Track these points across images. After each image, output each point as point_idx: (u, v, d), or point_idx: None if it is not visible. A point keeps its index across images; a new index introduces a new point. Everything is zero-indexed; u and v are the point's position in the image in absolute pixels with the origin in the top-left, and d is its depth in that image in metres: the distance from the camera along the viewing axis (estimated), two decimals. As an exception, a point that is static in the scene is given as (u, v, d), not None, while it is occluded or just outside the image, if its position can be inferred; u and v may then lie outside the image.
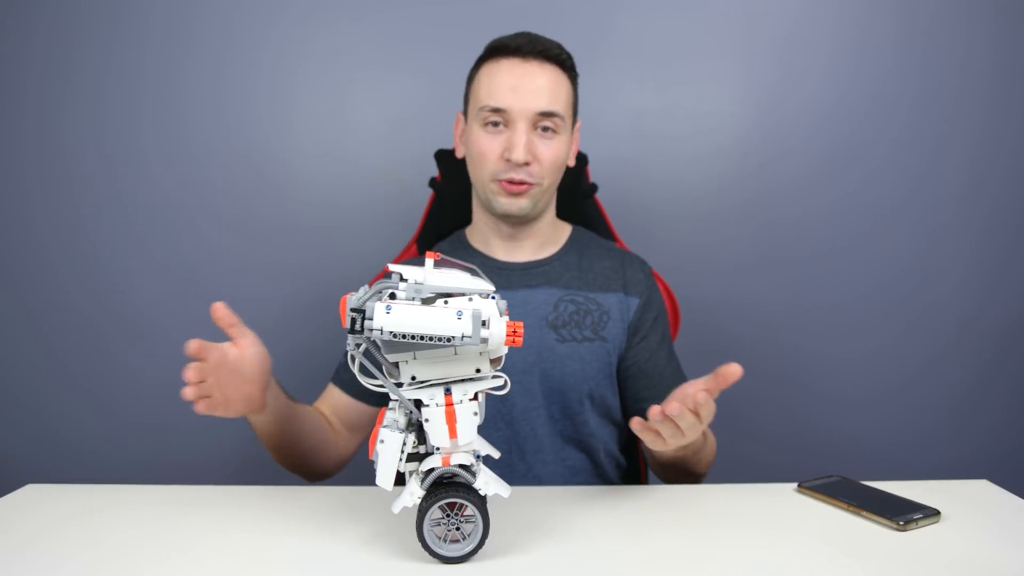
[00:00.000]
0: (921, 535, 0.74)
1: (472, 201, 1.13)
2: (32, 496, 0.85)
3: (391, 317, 0.61)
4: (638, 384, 1.07)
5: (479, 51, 1.07)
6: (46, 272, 1.55)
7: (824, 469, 1.02)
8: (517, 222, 1.05)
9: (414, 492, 0.66)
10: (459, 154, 1.10)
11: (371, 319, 0.61)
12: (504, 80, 0.99)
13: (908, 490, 0.84)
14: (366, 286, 0.65)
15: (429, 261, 0.66)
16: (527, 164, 0.99)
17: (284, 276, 1.57)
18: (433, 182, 1.26)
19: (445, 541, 0.67)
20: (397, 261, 1.22)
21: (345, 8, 1.53)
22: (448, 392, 0.66)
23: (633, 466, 1.19)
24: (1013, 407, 1.62)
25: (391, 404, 0.70)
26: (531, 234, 1.08)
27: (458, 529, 0.67)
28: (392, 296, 0.64)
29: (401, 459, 0.66)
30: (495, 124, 1.00)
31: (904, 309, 1.60)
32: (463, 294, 0.65)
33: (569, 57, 1.04)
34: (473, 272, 0.67)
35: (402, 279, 0.64)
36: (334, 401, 1.06)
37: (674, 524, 0.77)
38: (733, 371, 0.76)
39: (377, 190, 1.56)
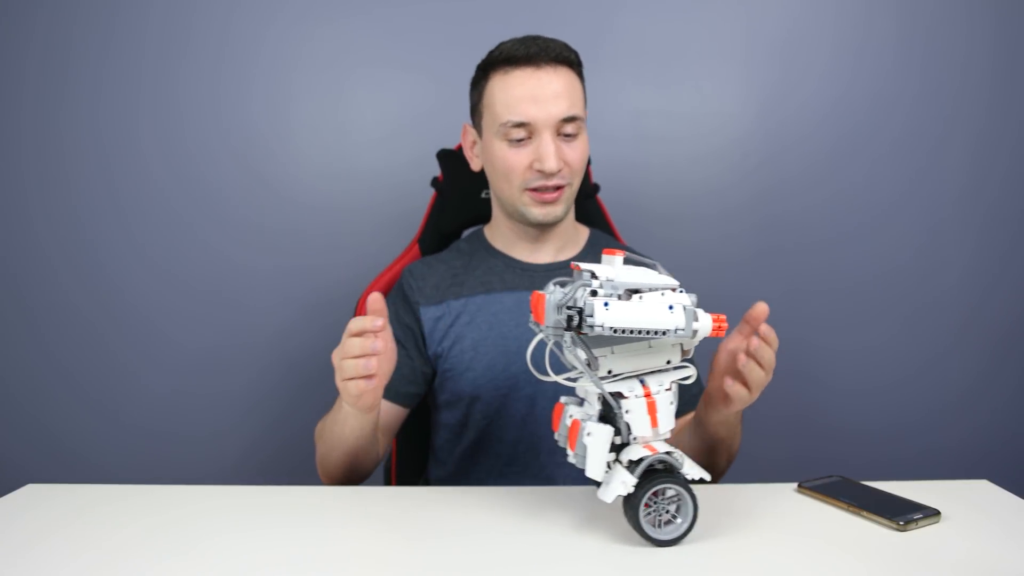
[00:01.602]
0: (921, 535, 0.74)
1: (492, 205, 1.12)
2: (32, 496, 0.85)
3: (611, 313, 0.63)
4: None
5: (479, 50, 1.06)
6: (45, 273, 1.55)
7: (824, 464, 1.02)
8: (546, 227, 1.06)
9: (627, 481, 0.67)
10: (475, 167, 1.09)
11: (592, 316, 0.63)
12: (521, 92, 0.97)
13: (908, 490, 0.84)
14: (553, 284, 0.68)
15: (616, 258, 0.68)
16: (559, 171, 0.99)
17: (284, 275, 1.57)
18: (435, 182, 1.26)
19: (655, 526, 0.69)
20: (399, 261, 1.22)
21: (344, 7, 1.53)
22: (644, 383, 0.69)
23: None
24: (1013, 405, 1.62)
25: (565, 399, 0.74)
26: (554, 236, 1.09)
27: (667, 511, 0.69)
28: (594, 293, 0.65)
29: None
30: (519, 138, 0.99)
31: (904, 307, 1.60)
32: (653, 289, 0.67)
33: (575, 53, 1.02)
34: (654, 267, 0.69)
35: (594, 276, 0.66)
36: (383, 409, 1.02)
37: (674, 524, 0.77)
38: (760, 310, 0.81)
39: (377, 190, 1.56)
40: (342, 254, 1.56)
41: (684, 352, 0.71)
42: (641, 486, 0.67)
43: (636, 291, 0.67)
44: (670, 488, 0.68)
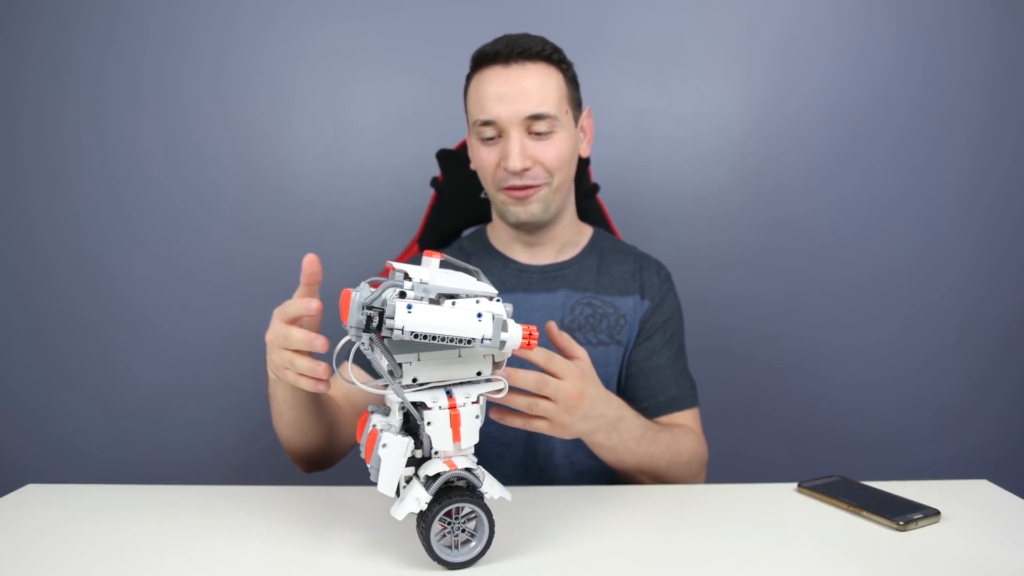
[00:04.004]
0: (921, 535, 0.74)
1: (491, 205, 1.11)
2: (32, 496, 0.85)
3: (413, 316, 0.58)
4: (636, 384, 1.06)
5: (478, 51, 1.07)
6: (46, 272, 1.55)
7: (824, 464, 1.01)
8: (534, 228, 1.04)
9: (420, 497, 0.63)
10: (473, 167, 1.08)
11: (392, 318, 0.58)
12: (489, 90, 0.96)
13: (908, 490, 0.84)
14: (365, 283, 0.62)
15: (433, 261, 0.63)
16: (526, 169, 0.97)
17: (284, 273, 1.56)
18: (435, 182, 1.26)
19: (450, 547, 0.65)
20: (399, 261, 1.22)
21: (345, 8, 1.53)
22: (450, 395, 0.64)
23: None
24: (1014, 405, 1.62)
25: (372, 408, 0.69)
26: (551, 238, 1.07)
27: (463, 531, 0.66)
28: (402, 295, 0.60)
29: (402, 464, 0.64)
30: (490, 136, 0.98)
31: (904, 307, 1.60)
32: (468, 296, 0.63)
33: (556, 50, 1.00)
34: (475, 275, 0.66)
35: (407, 278, 0.61)
36: (344, 383, 0.99)
37: (673, 524, 0.77)
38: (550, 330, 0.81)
39: (377, 189, 1.56)
40: (342, 252, 1.56)
41: (496, 364, 0.67)
42: (437, 503, 0.63)
43: (451, 296, 0.62)
44: (466, 506, 0.64)
